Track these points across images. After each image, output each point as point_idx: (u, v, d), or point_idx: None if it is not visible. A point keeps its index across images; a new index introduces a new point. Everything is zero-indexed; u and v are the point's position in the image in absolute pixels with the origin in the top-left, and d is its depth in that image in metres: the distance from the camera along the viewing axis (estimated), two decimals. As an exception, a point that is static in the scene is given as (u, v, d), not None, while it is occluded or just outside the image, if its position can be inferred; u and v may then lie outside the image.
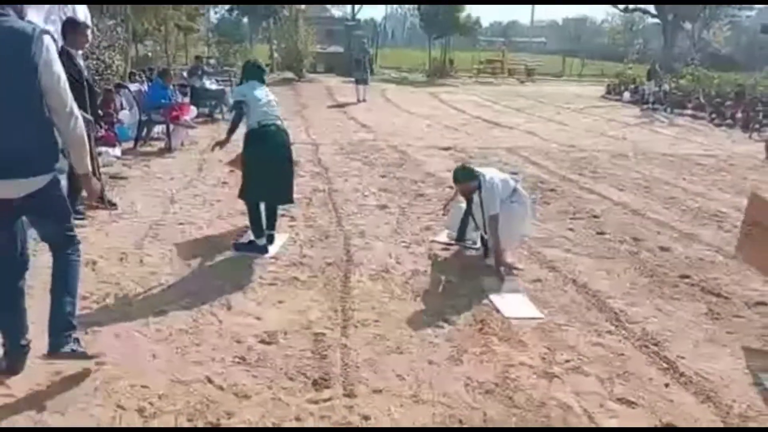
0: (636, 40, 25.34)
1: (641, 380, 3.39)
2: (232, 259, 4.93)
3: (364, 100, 16.18)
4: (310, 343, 3.63)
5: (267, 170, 4.96)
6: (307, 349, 3.55)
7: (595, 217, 6.59)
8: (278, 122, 5.08)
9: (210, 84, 12.51)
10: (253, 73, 5.18)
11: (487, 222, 4.77)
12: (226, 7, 24.54)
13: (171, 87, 9.61)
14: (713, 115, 15.84)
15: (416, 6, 27.61)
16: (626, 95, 20.45)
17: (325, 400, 3.06)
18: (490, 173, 4.91)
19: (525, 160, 9.76)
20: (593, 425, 2.98)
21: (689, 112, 16.95)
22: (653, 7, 24.23)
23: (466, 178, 4.88)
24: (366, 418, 2.94)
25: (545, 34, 58.40)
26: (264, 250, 5.03)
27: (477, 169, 4.97)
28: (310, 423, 2.88)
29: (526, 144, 11.21)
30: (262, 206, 5.16)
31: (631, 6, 25.84)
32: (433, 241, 5.48)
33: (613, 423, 3.01)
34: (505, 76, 28.42)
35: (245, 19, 25.41)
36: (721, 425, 3.02)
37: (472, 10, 28.08)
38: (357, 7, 30.54)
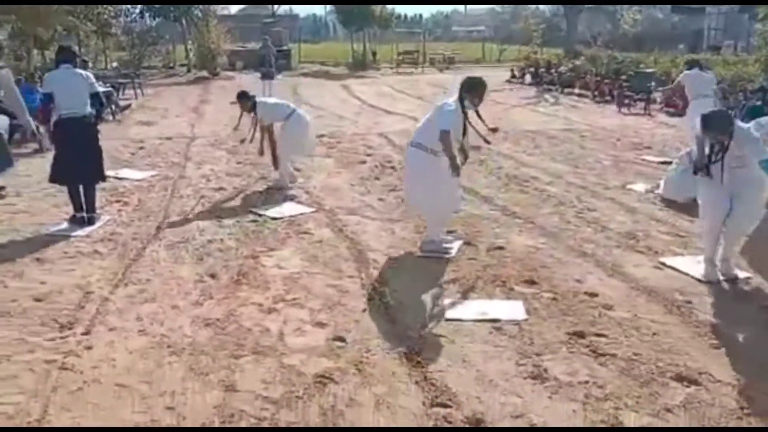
0: (539, 25, 26.43)
1: (346, 309, 4.15)
2: (44, 238, 5.53)
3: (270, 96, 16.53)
4: (78, 299, 4.29)
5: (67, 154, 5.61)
6: (72, 303, 4.21)
7: (412, 187, 7.35)
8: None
9: (98, 86, 12.90)
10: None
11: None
12: (137, 10, 24.77)
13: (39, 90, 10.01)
14: (595, 93, 16.93)
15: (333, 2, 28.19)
16: (527, 78, 21.47)
17: (62, 338, 3.73)
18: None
19: (388, 142, 10.54)
20: (281, 342, 3.71)
21: (576, 91, 18.02)
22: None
23: None
24: (88, 348, 3.61)
25: (484, 21, 59.61)
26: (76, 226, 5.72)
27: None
28: (39, 354, 3.54)
29: (401, 128, 11.96)
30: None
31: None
32: None
33: (297, 339, 3.74)
34: (426, 66, 29.27)
35: (155, 22, 25.63)
36: (390, 337, 3.76)
37: (386, 6, 28.50)
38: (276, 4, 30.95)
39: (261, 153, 7.56)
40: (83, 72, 5.95)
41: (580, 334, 3.77)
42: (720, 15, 31.62)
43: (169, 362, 3.48)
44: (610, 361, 3.48)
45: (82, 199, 5.88)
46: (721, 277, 4.60)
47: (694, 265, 4.79)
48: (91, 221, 5.85)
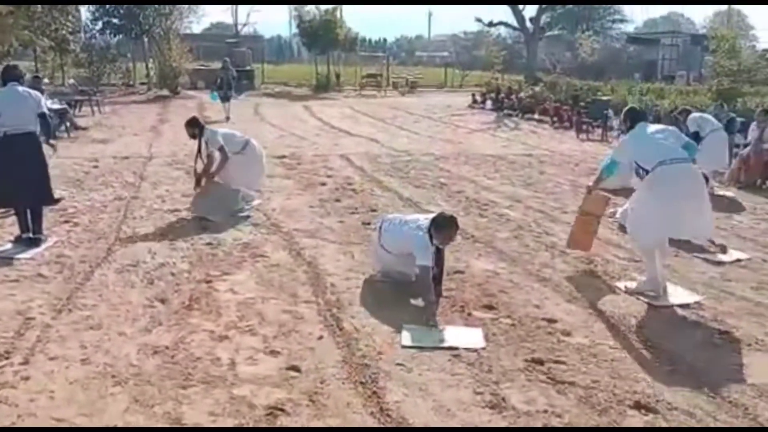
0: (500, 52, 26.97)
1: (301, 336, 4.03)
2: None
3: (227, 118, 16.00)
4: (17, 325, 4.07)
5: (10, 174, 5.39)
6: (11, 331, 3.99)
7: (373, 211, 7.29)
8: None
9: (51, 103, 12.57)
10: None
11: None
12: (98, 27, 24.38)
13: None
14: (554, 119, 17.23)
15: (297, 25, 28.22)
16: (488, 103, 21.75)
17: (-2, 368, 3.51)
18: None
19: (350, 164, 10.47)
20: (232, 371, 3.57)
21: (536, 117, 18.32)
22: (515, 22, 25.96)
23: None
24: (26, 379, 3.41)
25: (447, 47, 60.48)
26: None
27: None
28: (-30, 386, 3.32)
29: (361, 150, 11.95)
30: None
31: (494, 20, 27.65)
32: None
33: (249, 368, 3.61)
34: (389, 89, 29.46)
35: (115, 39, 25.25)
36: (346, 365, 3.65)
37: (351, 28, 28.65)
38: (241, 23, 30.90)
39: (197, 184, 6.98)
40: (31, 91, 5.75)
41: (539, 361, 3.73)
42: (673, 47, 32.77)
43: (111, 393, 3.30)
44: (568, 389, 3.44)
45: (29, 219, 5.64)
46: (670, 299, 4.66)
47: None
48: (36, 243, 5.60)
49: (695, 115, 9.41)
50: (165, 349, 3.81)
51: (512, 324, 4.27)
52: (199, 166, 7.02)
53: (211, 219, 6.56)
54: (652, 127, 5.04)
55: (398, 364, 3.67)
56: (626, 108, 5.48)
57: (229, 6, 36.37)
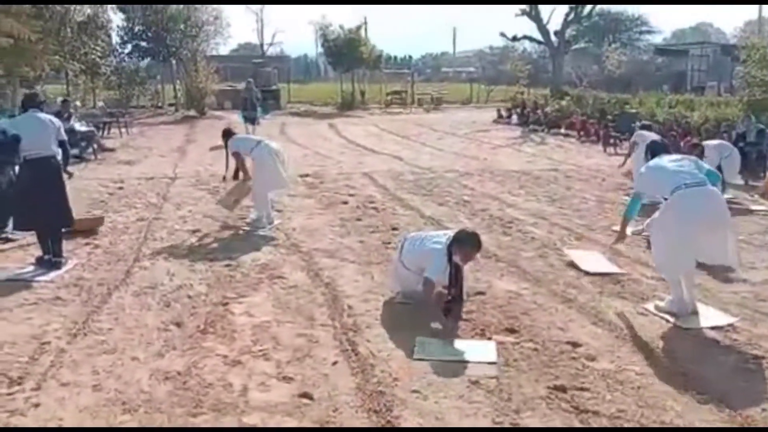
0: (525, 66, 26.82)
1: (315, 361, 3.93)
2: (4, 283, 5.28)
3: None
4: (32, 350, 4.05)
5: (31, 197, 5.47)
6: (26, 356, 3.97)
7: (394, 230, 7.19)
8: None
9: (80, 126, 12.83)
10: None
11: None
12: (127, 50, 24.89)
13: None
14: (581, 133, 16.99)
15: (322, 44, 28.46)
16: (514, 118, 21.59)
17: (10, 395, 3.48)
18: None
19: (372, 182, 10.41)
20: (243, 398, 3.49)
21: (563, 131, 18.10)
22: (539, 35, 25.82)
23: None
24: (36, 406, 3.37)
25: (472, 63, 60.43)
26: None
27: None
28: (-19, 413, 3.29)
29: (385, 168, 11.89)
30: None
31: (519, 35, 27.49)
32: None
33: (261, 395, 3.52)
34: (414, 106, 29.48)
35: (145, 62, 25.78)
36: (360, 393, 3.55)
37: (375, 45, 28.79)
38: (266, 43, 31.27)
39: (235, 177, 7.74)
40: (51, 118, 5.93)
41: (562, 389, 3.57)
42: (703, 57, 32.21)
43: (120, 422, 3.24)
44: (592, 418, 3.28)
45: (50, 242, 5.68)
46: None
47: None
48: (57, 265, 5.63)
49: (711, 144, 9.35)
50: (177, 374, 3.74)
51: (535, 348, 4.11)
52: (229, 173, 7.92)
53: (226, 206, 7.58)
54: (670, 157, 4.93)
55: (414, 391, 3.55)
56: (650, 141, 5.47)
57: (255, 26, 36.86)
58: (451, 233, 4.68)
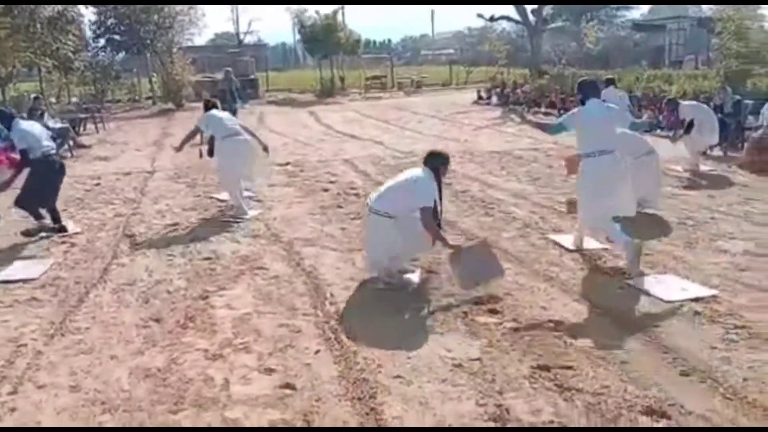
0: (504, 46, 26.76)
1: (297, 351, 3.89)
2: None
3: None
4: (8, 353, 3.97)
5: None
6: (1, 359, 3.88)
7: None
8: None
9: (54, 123, 12.58)
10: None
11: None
12: (100, 44, 24.44)
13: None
14: (561, 111, 16.97)
15: (298, 30, 28.14)
16: (494, 99, 21.55)
17: (-15, 399, 3.41)
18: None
19: (353, 168, 10.34)
20: (225, 392, 3.44)
21: (543, 109, 18.09)
22: (517, 14, 25.71)
23: None
24: (12, 410, 3.30)
25: (451, 44, 60.14)
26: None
27: None
28: (-45, 420, 3.22)
29: (366, 154, 11.80)
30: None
31: (496, 15, 27.37)
32: None
33: (243, 388, 3.47)
34: (394, 90, 29.33)
35: (120, 55, 25.35)
36: (343, 381, 3.51)
37: (353, 30, 28.52)
38: (243, 32, 30.92)
39: (200, 155, 8.09)
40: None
41: (545, 368, 3.57)
42: (680, 31, 32.30)
43: (99, 422, 3.19)
44: (576, 396, 3.28)
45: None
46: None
47: (656, 285, 4.65)
48: (63, 229, 6.62)
49: (685, 104, 9.78)
50: (157, 371, 3.69)
51: (517, 328, 4.10)
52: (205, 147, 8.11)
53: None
54: (601, 108, 5.34)
55: (397, 377, 3.52)
56: (580, 79, 5.82)
57: (231, 16, 36.42)
58: (414, 172, 4.97)
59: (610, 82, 12.87)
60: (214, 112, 7.52)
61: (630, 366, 3.56)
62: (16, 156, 10.02)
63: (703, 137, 9.22)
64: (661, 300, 4.45)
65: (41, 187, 6.56)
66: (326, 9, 27.63)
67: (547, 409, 3.17)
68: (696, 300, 4.44)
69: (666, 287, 4.63)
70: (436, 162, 4.90)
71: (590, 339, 3.91)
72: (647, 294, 4.57)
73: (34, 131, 6.72)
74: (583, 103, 5.37)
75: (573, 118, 5.39)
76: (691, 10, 34.33)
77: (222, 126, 7.36)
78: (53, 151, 6.85)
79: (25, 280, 5.28)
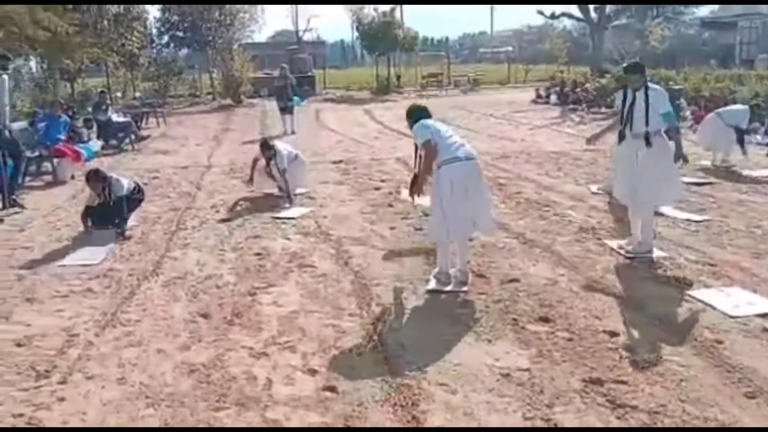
0: (564, 44, 26.10)
1: (341, 353, 3.84)
2: (37, 275, 5.36)
3: (292, 132, 14.82)
4: (61, 343, 4.06)
5: None
6: (54, 348, 3.98)
7: (425, 215, 7.01)
8: None
9: (117, 117, 12.99)
10: None
11: None
12: (164, 40, 25.15)
13: (63, 116, 10.14)
14: (622, 112, 16.42)
15: (356, 28, 28.23)
16: (553, 98, 21.06)
17: (36, 388, 3.49)
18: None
19: (406, 167, 10.22)
20: (267, 392, 3.42)
21: (603, 110, 17.56)
22: (578, 12, 25.02)
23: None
24: (61, 399, 3.37)
25: (510, 42, 59.26)
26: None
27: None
28: (8, 407, 3.30)
29: (419, 152, 11.67)
30: None
31: (557, 12, 26.73)
32: None
33: (285, 389, 3.44)
34: (451, 88, 29.09)
35: (183, 52, 26.03)
36: (386, 385, 3.44)
37: (411, 28, 28.40)
38: (301, 29, 31.26)
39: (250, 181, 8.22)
40: None
41: (597, 381, 3.40)
42: (752, 29, 30.88)
43: (143, 416, 3.21)
44: (630, 413, 3.10)
45: None
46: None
47: (724, 299, 4.38)
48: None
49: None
50: (202, 367, 3.70)
51: (570, 338, 3.94)
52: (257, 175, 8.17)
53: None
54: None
55: (442, 384, 3.42)
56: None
57: (290, 13, 36.96)
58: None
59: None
60: (280, 152, 7.84)
61: (689, 384, 3.35)
62: (79, 149, 10.45)
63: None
64: (726, 314, 4.19)
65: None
66: (384, 7, 27.68)
67: (598, 426, 3.01)
68: (764, 315, 4.16)
69: (732, 301, 4.36)
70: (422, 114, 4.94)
71: (647, 353, 3.71)
72: (711, 307, 4.31)
73: None
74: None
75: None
76: (765, 7, 32.76)
77: (285, 157, 7.82)
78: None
79: (84, 265, 5.44)
